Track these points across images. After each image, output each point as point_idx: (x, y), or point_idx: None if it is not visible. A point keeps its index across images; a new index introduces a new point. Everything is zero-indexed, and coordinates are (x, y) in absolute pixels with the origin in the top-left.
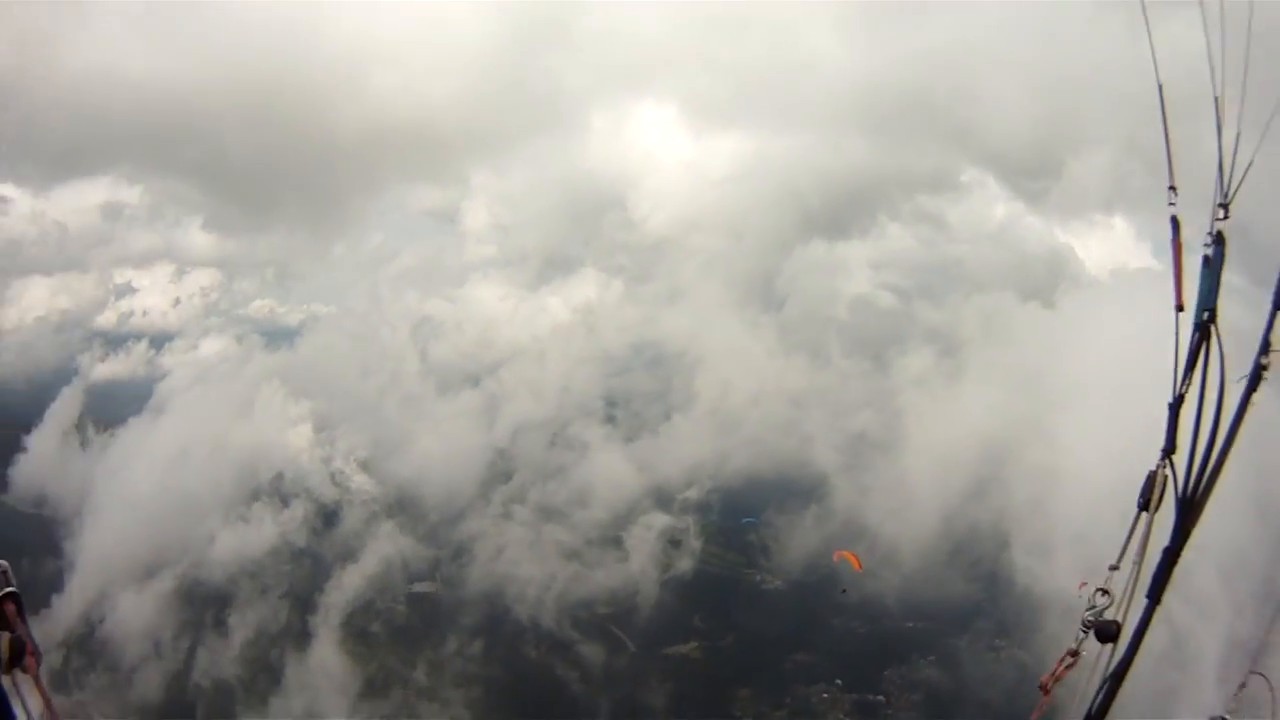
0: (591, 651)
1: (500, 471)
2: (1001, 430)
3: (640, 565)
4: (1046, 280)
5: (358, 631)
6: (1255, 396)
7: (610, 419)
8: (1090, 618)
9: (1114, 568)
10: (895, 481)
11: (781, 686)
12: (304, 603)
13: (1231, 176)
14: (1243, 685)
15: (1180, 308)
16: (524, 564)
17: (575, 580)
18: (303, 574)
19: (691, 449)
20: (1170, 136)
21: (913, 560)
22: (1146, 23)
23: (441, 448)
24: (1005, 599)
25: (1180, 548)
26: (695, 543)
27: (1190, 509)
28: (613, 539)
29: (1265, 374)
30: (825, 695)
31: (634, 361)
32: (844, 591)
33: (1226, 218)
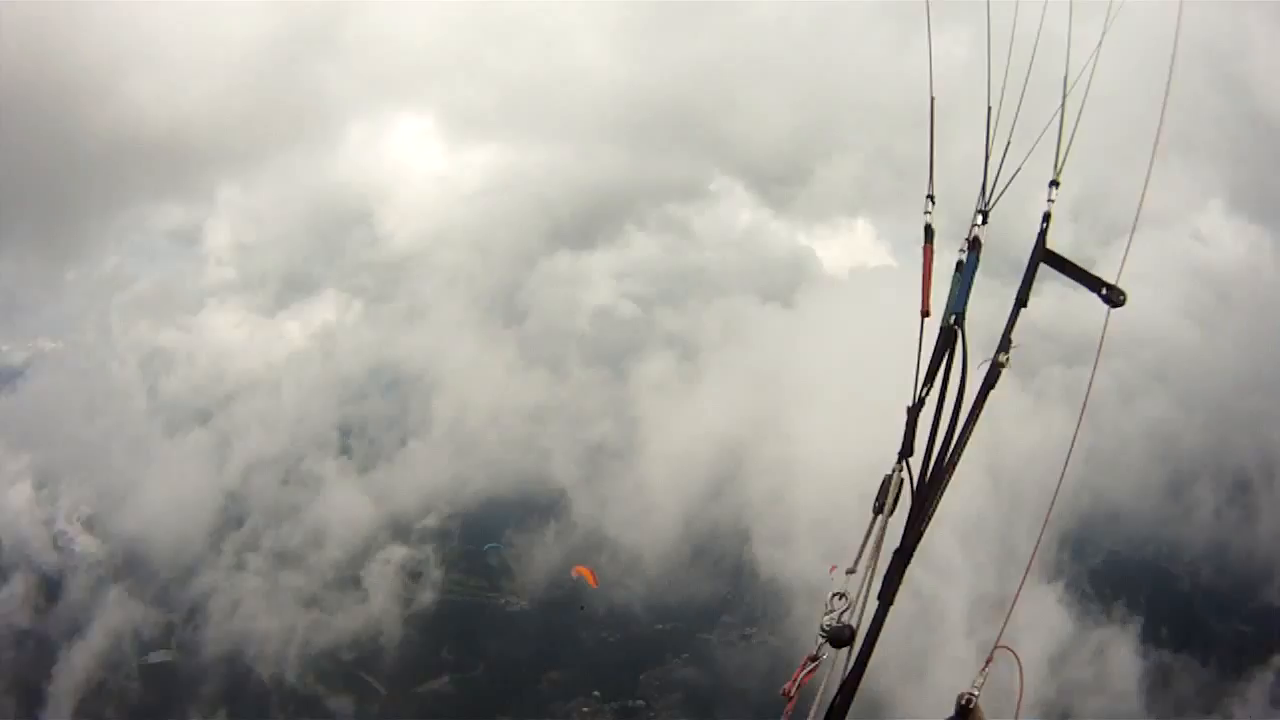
0: (340, 704)
1: (232, 517)
2: (739, 429)
3: (382, 604)
4: (787, 282)
5: None
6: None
7: (345, 450)
8: (829, 623)
9: (850, 571)
10: (634, 489)
11: (540, 707)
12: (32, 694)
13: (995, 186)
14: (989, 660)
15: (926, 313)
16: (261, 618)
17: (316, 628)
18: (27, 661)
19: (428, 475)
20: (934, 148)
21: (656, 565)
22: (929, 40)
23: (169, 495)
24: (751, 591)
25: (912, 548)
26: (436, 572)
27: (922, 510)
28: (351, 579)
29: (1002, 370)
30: (585, 709)
31: (370, 386)
32: (582, 609)
33: (985, 223)
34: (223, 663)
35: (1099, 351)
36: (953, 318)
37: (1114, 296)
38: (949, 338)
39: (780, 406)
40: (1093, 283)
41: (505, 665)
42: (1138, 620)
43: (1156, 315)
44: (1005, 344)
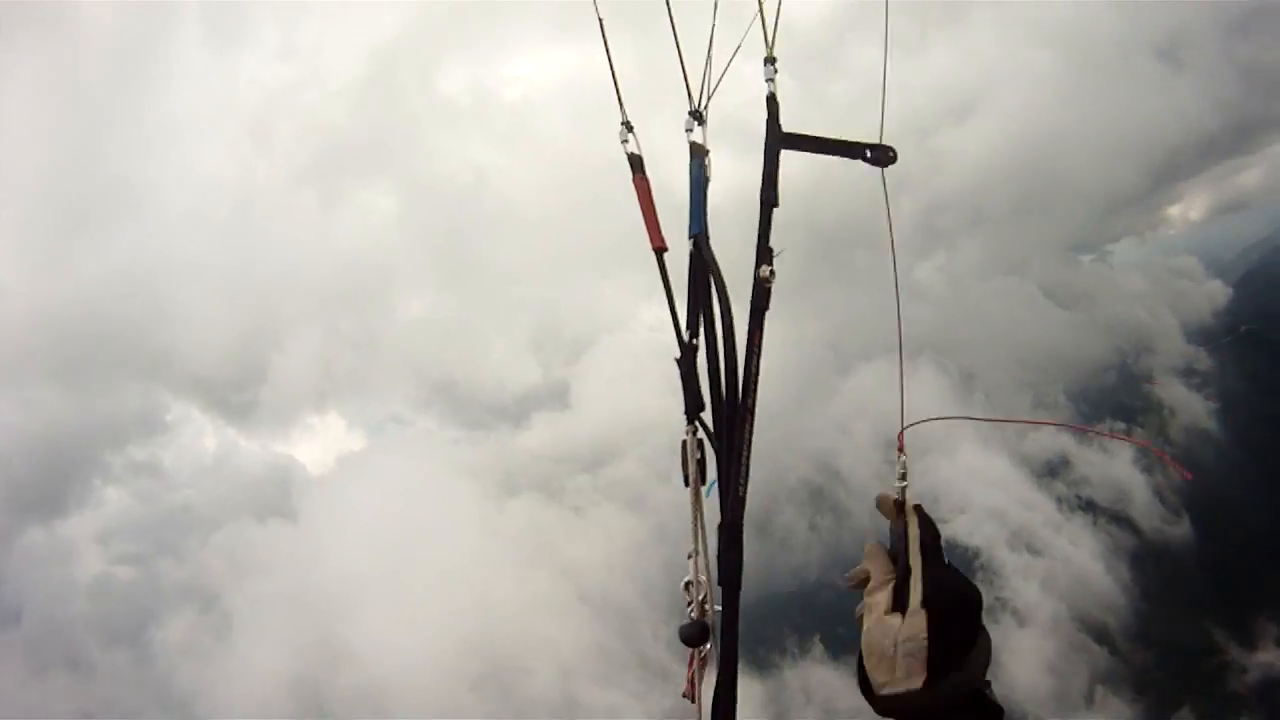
0: None
1: None
2: (302, 667)
3: None
4: (279, 495)
5: None
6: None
7: None
8: (690, 616)
9: (691, 556)
10: None
11: None
12: None
13: (704, 85)
14: (900, 449)
15: (661, 248)
16: None
17: None
18: None
19: None
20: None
21: None
22: None
23: None
24: None
25: (737, 518)
26: None
27: (733, 466)
28: None
29: (770, 286)
30: None
31: None
32: None
33: (703, 124)
34: None
35: (890, 223)
36: (692, 241)
37: (881, 155)
38: (698, 263)
39: (331, 626)
40: (853, 150)
41: None
42: (817, 647)
43: (646, 399)
44: (765, 254)
